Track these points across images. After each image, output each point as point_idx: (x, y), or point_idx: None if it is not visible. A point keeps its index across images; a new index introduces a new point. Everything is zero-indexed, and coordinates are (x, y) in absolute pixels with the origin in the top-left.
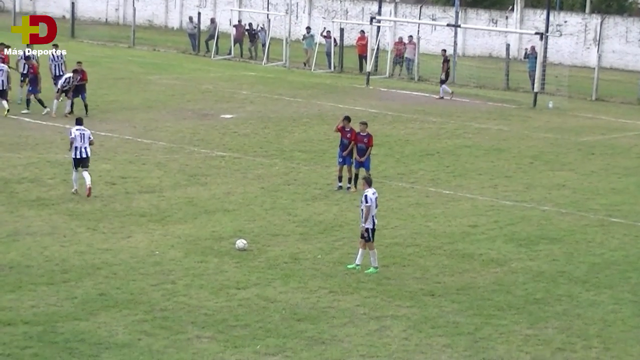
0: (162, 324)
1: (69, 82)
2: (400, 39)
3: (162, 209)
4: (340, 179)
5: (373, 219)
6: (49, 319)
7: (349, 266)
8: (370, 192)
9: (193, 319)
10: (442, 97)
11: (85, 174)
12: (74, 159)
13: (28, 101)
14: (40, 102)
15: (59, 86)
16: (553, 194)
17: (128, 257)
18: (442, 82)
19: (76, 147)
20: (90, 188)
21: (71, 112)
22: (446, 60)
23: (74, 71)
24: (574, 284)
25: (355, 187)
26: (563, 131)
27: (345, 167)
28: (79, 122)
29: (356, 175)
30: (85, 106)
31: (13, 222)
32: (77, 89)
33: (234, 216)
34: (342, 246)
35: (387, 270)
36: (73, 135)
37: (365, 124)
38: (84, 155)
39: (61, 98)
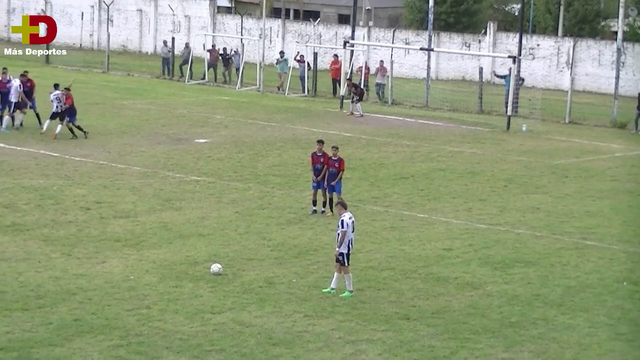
0: (137, 349)
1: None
2: (366, 63)
3: (137, 234)
4: (314, 202)
5: (349, 244)
6: (24, 344)
7: (324, 290)
8: (346, 216)
9: (168, 344)
10: (352, 113)
11: None
12: None
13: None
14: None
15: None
16: (527, 217)
17: (103, 282)
18: (358, 100)
19: None
20: None
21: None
22: (352, 85)
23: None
24: (549, 307)
25: (332, 210)
26: (537, 154)
27: (319, 191)
28: None
29: (330, 199)
30: (79, 127)
31: None
32: (66, 112)
33: (209, 241)
34: (316, 270)
35: (362, 294)
36: None
37: (336, 148)
38: None
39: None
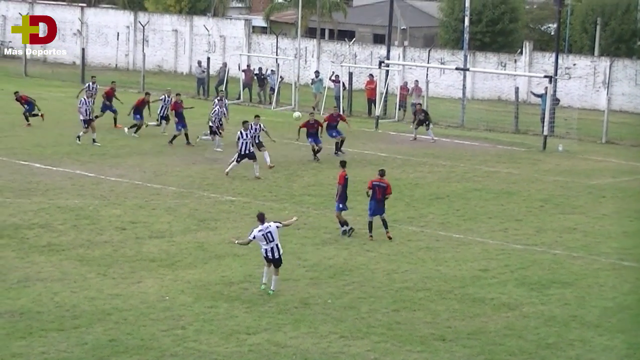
0: None
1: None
2: (406, 83)
3: (172, 254)
4: (341, 223)
5: (276, 248)
6: None
7: (262, 287)
8: (257, 229)
9: None
10: (415, 138)
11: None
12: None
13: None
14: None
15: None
16: (564, 237)
17: (138, 302)
18: (427, 126)
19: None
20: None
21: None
22: (422, 111)
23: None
24: (586, 328)
25: (371, 235)
26: (573, 174)
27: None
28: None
29: (370, 223)
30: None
31: (24, 268)
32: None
33: (244, 261)
34: (352, 290)
35: (397, 314)
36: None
37: (382, 172)
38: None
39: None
